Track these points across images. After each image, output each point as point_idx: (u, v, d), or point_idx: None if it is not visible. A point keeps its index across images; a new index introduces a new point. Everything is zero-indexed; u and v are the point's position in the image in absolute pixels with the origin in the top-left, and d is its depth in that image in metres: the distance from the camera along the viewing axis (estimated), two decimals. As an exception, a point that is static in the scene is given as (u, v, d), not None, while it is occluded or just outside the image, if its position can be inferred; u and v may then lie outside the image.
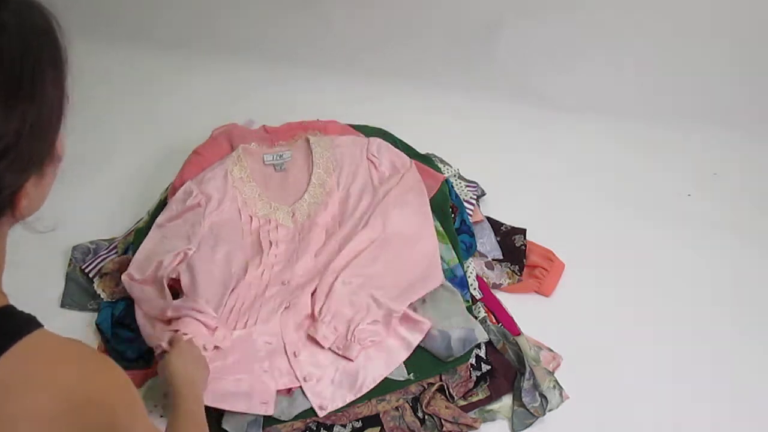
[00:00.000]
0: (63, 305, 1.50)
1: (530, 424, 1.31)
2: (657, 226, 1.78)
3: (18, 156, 0.61)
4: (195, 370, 1.11)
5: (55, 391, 0.59)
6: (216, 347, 1.26)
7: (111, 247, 1.58)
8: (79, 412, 0.60)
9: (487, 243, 1.65)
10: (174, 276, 1.39)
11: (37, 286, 1.50)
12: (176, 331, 1.23)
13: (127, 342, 1.39)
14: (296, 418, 1.27)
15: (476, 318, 1.44)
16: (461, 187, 1.72)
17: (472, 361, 1.38)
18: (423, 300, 1.45)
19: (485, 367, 1.38)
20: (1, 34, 0.60)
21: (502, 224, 1.71)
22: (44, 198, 0.70)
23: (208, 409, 1.11)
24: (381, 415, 1.30)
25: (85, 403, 0.61)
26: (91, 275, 1.52)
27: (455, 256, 1.53)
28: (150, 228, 1.52)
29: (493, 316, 1.48)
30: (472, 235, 1.61)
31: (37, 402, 0.58)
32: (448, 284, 1.46)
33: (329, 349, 1.34)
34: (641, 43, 2.13)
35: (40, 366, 0.61)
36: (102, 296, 1.48)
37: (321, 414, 1.26)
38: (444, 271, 1.51)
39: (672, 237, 1.76)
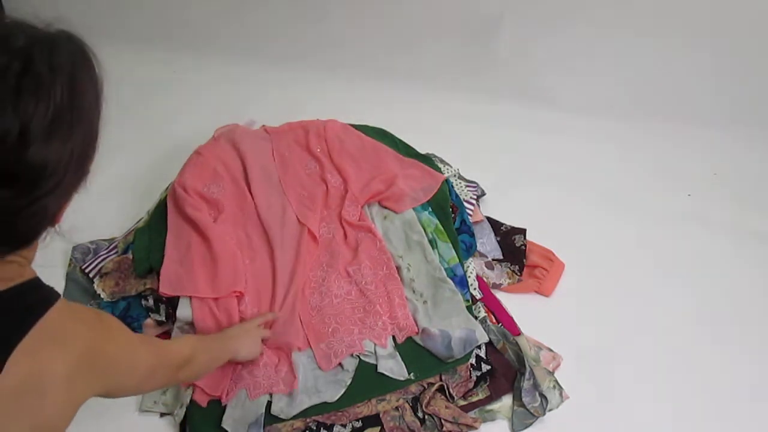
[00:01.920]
0: (63, 305, 1.50)
1: (530, 424, 1.31)
2: (657, 226, 1.78)
3: (64, 187, 0.69)
4: (249, 343, 1.29)
5: (73, 349, 0.73)
6: None
7: (111, 247, 1.58)
8: (88, 362, 0.74)
9: (487, 243, 1.65)
10: None
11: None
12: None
13: (127, 342, 1.39)
14: (295, 417, 1.27)
15: (476, 318, 1.44)
16: (461, 187, 1.72)
17: (472, 361, 1.38)
18: (424, 300, 1.45)
19: (485, 367, 1.38)
20: (56, 79, 0.66)
21: (502, 224, 1.71)
22: (69, 205, 0.77)
23: (208, 408, 1.27)
24: (381, 415, 1.30)
25: (91, 354, 0.75)
26: (91, 275, 1.52)
27: (455, 255, 1.53)
28: (149, 228, 1.53)
29: (493, 316, 1.48)
30: (472, 235, 1.61)
31: (61, 357, 0.71)
32: (450, 282, 1.46)
33: None
34: (641, 44, 2.13)
35: (65, 327, 0.73)
36: (102, 296, 1.48)
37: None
38: (444, 270, 1.51)
39: (672, 237, 1.76)
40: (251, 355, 1.29)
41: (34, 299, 0.73)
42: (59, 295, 0.75)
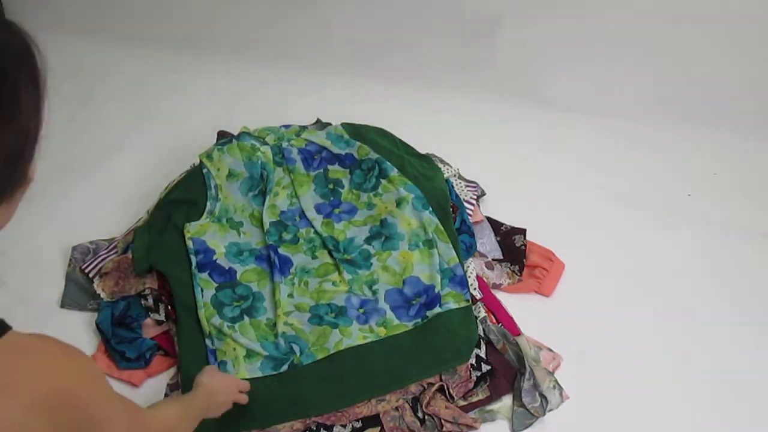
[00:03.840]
0: (63, 305, 1.50)
1: (530, 424, 1.31)
2: (657, 226, 1.78)
3: None
4: (222, 393, 1.15)
5: (27, 391, 0.59)
6: None
7: (111, 247, 1.58)
8: (51, 405, 0.60)
9: (487, 243, 1.65)
10: None
11: (37, 286, 1.50)
12: None
13: (127, 342, 1.39)
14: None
15: (476, 318, 1.44)
16: (461, 187, 1.72)
17: (472, 361, 1.38)
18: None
19: (485, 367, 1.38)
20: None
21: (502, 224, 1.70)
22: (11, 217, 0.67)
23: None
24: (381, 415, 1.30)
25: (55, 396, 0.61)
26: (91, 275, 1.52)
27: (455, 255, 1.53)
28: (149, 227, 1.53)
29: (493, 316, 1.48)
30: (472, 235, 1.61)
31: (8, 405, 0.58)
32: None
33: None
34: (641, 43, 2.13)
35: (10, 369, 0.60)
36: (102, 296, 1.48)
37: None
38: (444, 270, 1.51)
39: (672, 237, 1.76)
40: (222, 402, 1.15)
41: None
42: (8, 328, 0.62)
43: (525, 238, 1.66)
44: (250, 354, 1.35)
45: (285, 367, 1.34)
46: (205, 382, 1.12)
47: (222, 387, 1.14)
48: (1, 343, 0.60)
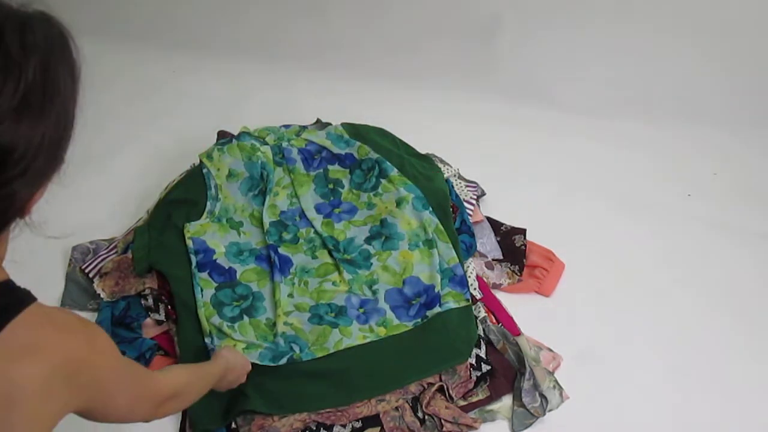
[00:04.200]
0: (63, 305, 1.50)
1: (530, 424, 1.31)
2: (657, 226, 1.78)
3: (34, 171, 0.64)
4: (236, 371, 1.17)
5: (51, 356, 0.66)
6: None
7: (111, 247, 1.58)
8: (69, 372, 0.67)
9: (487, 243, 1.65)
10: None
11: (37, 286, 1.49)
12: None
13: (127, 342, 1.39)
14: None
15: (476, 317, 1.44)
16: (461, 187, 1.72)
17: (472, 361, 1.38)
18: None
19: (485, 367, 1.38)
20: (28, 58, 0.62)
21: (502, 224, 1.70)
22: (43, 195, 0.72)
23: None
24: (381, 415, 1.30)
25: (72, 364, 0.68)
26: (91, 275, 1.52)
27: (455, 255, 1.53)
28: (149, 226, 1.53)
29: (493, 316, 1.48)
30: (472, 235, 1.61)
31: (33, 367, 0.64)
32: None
33: None
34: (641, 44, 2.13)
35: (39, 334, 0.67)
36: (102, 296, 1.48)
37: None
38: (444, 270, 1.51)
39: (672, 237, 1.76)
40: (241, 373, 1.18)
41: (3, 301, 0.66)
42: (34, 299, 0.69)
43: (525, 238, 1.66)
44: (249, 346, 1.35)
45: (284, 360, 1.35)
46: (226, 355, 1.14)
47: (239, 365, 1.16)
48: (29, 311, 0.66)
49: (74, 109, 0.69)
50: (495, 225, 1.70)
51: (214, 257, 1.51)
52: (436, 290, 1.47)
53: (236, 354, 1.19)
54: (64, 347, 0.67)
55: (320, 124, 1.84)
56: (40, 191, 0.68)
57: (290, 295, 1.47)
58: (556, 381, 1.36)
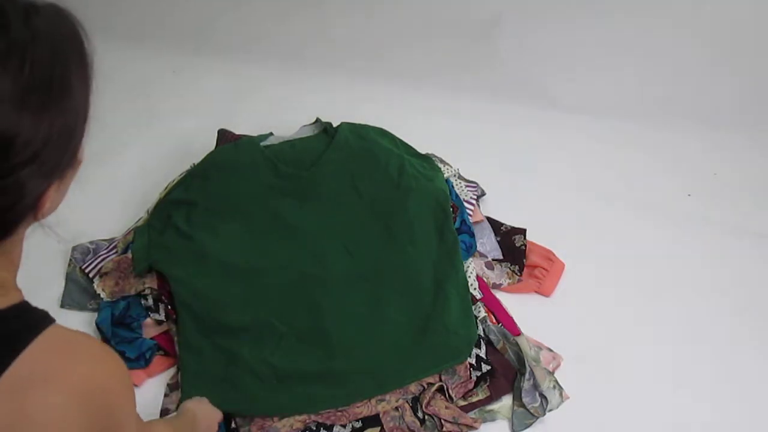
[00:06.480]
0: (63, 305, 1.50)
1: (530, 424, 1.32)
2: (657, 226, 1.78)
3: (44, 163, 0.61)
4: (206, 419, 1.17)
5: (68, 385, 0.62)
6: None
7: (111, 247, 1.58)
8: (87, 400, 0.63)
9: (487, 243, 1.65)
10: None
11: (37, 286, 1.48)
12: None
13: (127, 342, 1.39)
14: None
15: (476, 317, 1.44)
16: (461, 187, 1.72)
17: (472, 361, 1.38)
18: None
19: (485, 367, 1.38)
20: (33, 42, 0.60)
21: (502, 224, 1.70)
22: (63, 198, 0.70)
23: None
24: (381, 415, 1.30)
25: (91, 393, 0.64)
26: (91, 275, 1.52)
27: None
28: (149, 226, 1.53)
29: (493, 316, 1.48)
30: (472, 235, 1.61)
31: (52, 397, 0.61)
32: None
33: None
34: (641, 44, 2.13)
35: (55, 362, 0.63)
36: (102, 296, 1.48)
37: None
38: (444, 271, 1.51)
39: (672, 237, 1.76)
40: (212, 423, 1.18)
41: (18, 326, 0.63)
42: (52, 321, 0.65)
43: (525, 238, 1.66)
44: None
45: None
46: (191, 407, 1.15)
47: (207, 413, 1.17)
48: (47, 334, 0.63)
49: (87, 100, 0.67)
50: (495, 225, 1.70)
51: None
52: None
53: (201, 403, 1.19)
54: (84, 374, 0.64)
55: (320, 124, 1.84)
56: (55, 188, 0.65)
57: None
58: (556, 381, 1.36)
